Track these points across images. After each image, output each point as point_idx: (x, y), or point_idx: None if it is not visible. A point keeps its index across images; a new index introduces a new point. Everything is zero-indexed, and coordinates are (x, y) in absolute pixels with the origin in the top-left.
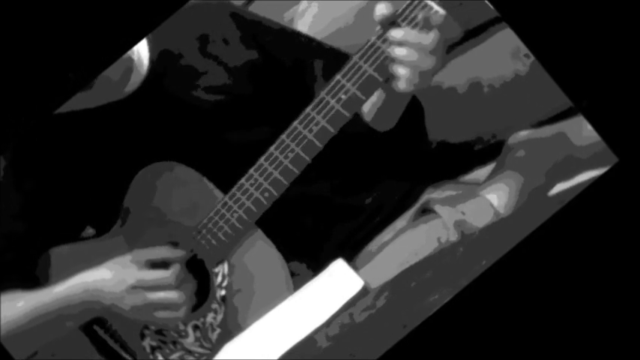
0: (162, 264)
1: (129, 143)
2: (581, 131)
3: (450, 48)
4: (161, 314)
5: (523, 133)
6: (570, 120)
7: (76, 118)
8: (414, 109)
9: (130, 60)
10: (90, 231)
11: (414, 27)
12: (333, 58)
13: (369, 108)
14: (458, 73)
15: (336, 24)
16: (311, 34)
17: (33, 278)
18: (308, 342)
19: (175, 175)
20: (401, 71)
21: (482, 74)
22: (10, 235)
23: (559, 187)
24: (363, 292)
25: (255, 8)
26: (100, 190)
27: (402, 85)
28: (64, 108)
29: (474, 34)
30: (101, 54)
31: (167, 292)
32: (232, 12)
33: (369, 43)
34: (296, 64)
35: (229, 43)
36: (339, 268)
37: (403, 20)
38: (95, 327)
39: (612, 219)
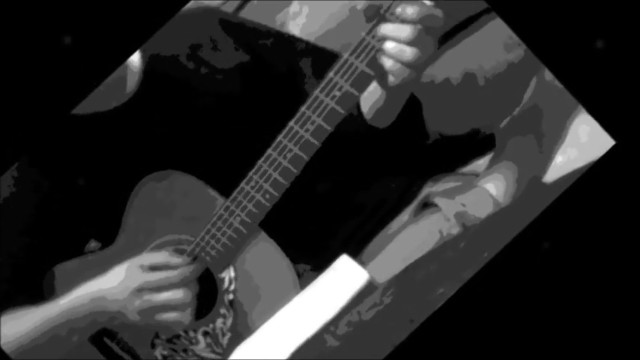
0: (164, 268)
1: (126, 153)
2: (579, 112)
3: (443, 39)
4: (168, 316)
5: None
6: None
7: (73, 131)
8: (411, 105)
9: (124, 69)
10: (93, 244)
11: (402, 21)
12: (325, 59)
13: (368, 107)
14: (451, 65)
15: (328, 23)
16: (304, 35)
17: (40, 295)
18: (317, 342)
19: (175, 183)
20: (387, 64)
21: (475, 65)
22: (15, 252)
23: (557, 174)
24: (370, 286)
25: (246, 12)
26: (101, 202)
27: (390, 79)
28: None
29: (464, 25)
30: (96, 65)
31: (172, 291)
32: (221, 18)
33: (360, 40)
34: (288, 67)
35: (220, 50)
36: (343, 263)
37: (391, 14)
38: (105, 339)
39: (612, 202)
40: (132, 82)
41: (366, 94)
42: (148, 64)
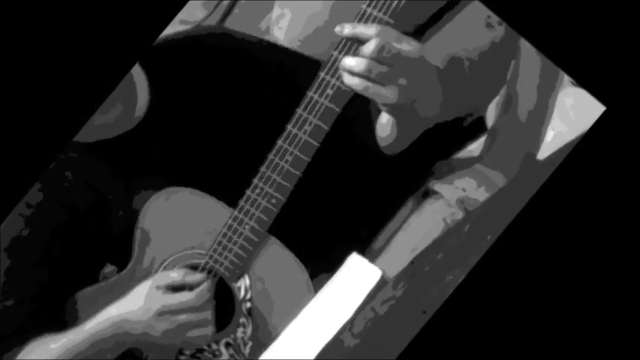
0: (182, 286)
1: (135, 172)
2: (564, 86)
3: (426, 26)
4: (192, 333)
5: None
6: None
7: (83, 152)
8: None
9: (132, 90)
10: (109, 268)
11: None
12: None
13: (383, 136)
14: (436, 51)
15: (312, 25)
16: (288, 38)
17: (62, 323)
18: (336, 343)
19: (181, 199)
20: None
21: (460, 48)
22: (34, 284)
23: (550, 149)
24: (382, 282)
25: (230, 22)
26: (113, 224)
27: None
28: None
29: (445, 10)
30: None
31: (193, 313)
32: (224, 32)
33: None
34: (286, 75)
35: (224, 63)
36: (354, 261)
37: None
38: None
39: (608, 171)
40: (141, 105)
41: (383, 121)
42: (154, 85)
